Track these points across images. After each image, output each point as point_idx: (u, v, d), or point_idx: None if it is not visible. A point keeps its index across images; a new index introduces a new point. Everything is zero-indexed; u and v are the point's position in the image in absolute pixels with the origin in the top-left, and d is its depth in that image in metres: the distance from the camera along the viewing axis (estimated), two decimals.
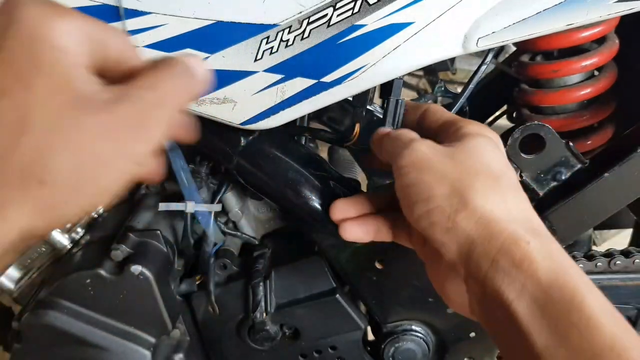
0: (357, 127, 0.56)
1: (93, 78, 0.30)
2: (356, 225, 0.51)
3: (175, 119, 0.33)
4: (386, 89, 0.72)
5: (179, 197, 0.64)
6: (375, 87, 0.56)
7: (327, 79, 0.52)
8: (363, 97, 0.55)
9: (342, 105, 0.56)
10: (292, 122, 0.55)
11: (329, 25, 0.49)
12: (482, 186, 0.42)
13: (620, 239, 1.17)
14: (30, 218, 0.28)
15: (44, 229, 0.29)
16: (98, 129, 0.29)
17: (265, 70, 0.51)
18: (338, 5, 0.49)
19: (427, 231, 0.43)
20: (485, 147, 0.45)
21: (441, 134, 0.48)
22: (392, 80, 0.54)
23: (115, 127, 0.29)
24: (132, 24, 0.49)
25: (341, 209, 0.51)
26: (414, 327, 0.69)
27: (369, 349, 0.73)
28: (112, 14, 0.49)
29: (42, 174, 0.28)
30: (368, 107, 0.59)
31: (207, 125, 0.55)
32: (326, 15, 0.49)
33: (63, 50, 0.28)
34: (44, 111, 0.28)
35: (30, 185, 0.28)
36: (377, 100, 0.63)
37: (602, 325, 0.35)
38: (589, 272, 0.65)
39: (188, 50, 0.50)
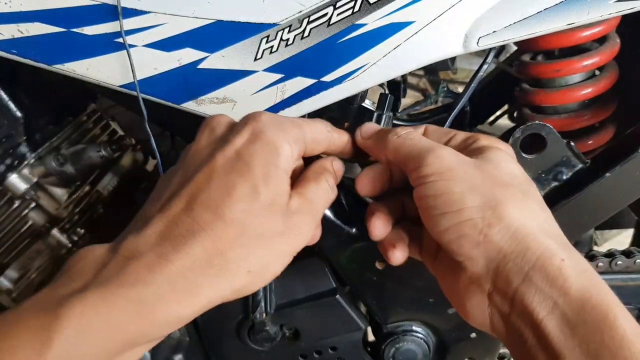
0: (345, 127, 0.55)
1: (288, 188, 0.42)
2: (403, 250, 0.48)
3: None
4: (393, 88, 0.72)
5: None
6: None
7: (327, 78, 0.52)
8: (353, 96, 0.54)
9: (342, 104, 0.55)
10: None
11: (329, 25, 0.49)
12: (514, 199, 0.41)
13: (621, 238, 1.17)
14: (223, 294, 0.39)
15: (223, 301, 0.40)
16: (283, 233, 0.40)
17: (265, 70, 0.51)
18: (338, 4, 0.48)
19: (452, 244, 0.41)
20: (508, 159, 0.44)
21: (456, 150, 0.46)
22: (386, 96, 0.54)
23: (291, 231, 0.41)
24: (132, 23, 0.49)
25: (380, 228, 0.48)
26: (414, 328, 0.69)
27: (369, 349, 0.73)
28: (111, 13, 0.49)
29: (249, 267, 0.39)
30: (367, 106, 0.59)
31: None
32: (326, 14, 0.49)
33: (282, 168, 0.40)
34: (261, 220, 0.39)
35: (240, 273, 0.39)
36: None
37: (634, 345, 0.34)
38: None
39: (188, 49, 0.50)
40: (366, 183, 0.49)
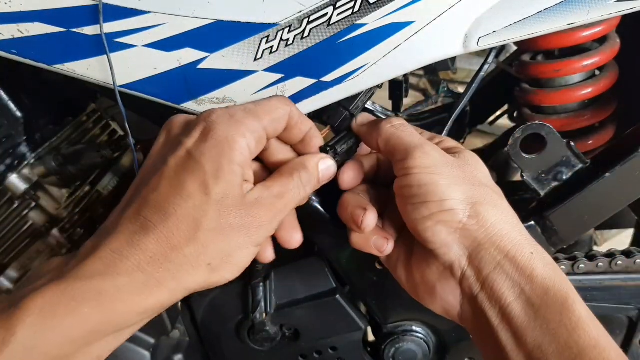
0: (326, 129, 0.55)
1: (242, 181, 0.42)
2: (392, 241, 0.51)
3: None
4: (395, 87, 0.72)
5: None
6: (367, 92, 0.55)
7: (327, 78, 0.52)
8: (350, 101, 0.55)
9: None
10: None
11: (329, 25, 0.49)
12: (491, 199, 0.45)
13: (621, 238, 1.17)
14: (188, 287, 0.40)
15: (190, 293, 0.41)
16: (241, 226, 0.41)
17: (265, 70, 0.51)
18: (338, 4, 0.48)
19: (428, 232, 0.44)
20: (481, 163, 0.49)
21: None
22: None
23: (251, 224, 0.41)
24: (132, 23, 0.49)
25: (373, 221, 0.49)
26: (414, 328, 0.69)
27: (369, 349, 0.73)
28: (111, 14, 0.49)
29: (208, 260, 0.40)
30: (367, 106, 0.59)
31: None
32: (326, 14, 0.49)
33: (237, 162, 0.41)
34: (213, 214, 0.40)
35: (200, 266, 0.40)
36: (378, 100, 0.63)
37: (588, 327, 0.39)
38: (590, 273, 0.65)
39: (188, 49, 0.50)
40: (351, 177, 0.51)
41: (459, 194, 0.44)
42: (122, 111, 0.52)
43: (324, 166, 0.48)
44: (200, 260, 0.40)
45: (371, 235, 0.50)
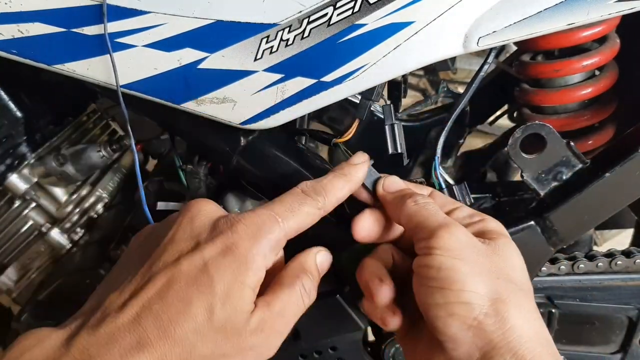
0: (355, 123, 0.55)
1: (250, 307, 0.39)
2: (400, 315, 0.46)
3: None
4: (393, 88, 0.72)
5: (178, 197, 0.64)
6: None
7: (327, 78, 0.52)
8: (370, 92, 0.55)
9: (342, 104, 0.55)
10: (292, 122, 0.55)
11: (329, 25, 0.49)
12: (515, 297, 0.41)
13: (621, 238, 1.17)
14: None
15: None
16: (236, 354, 0.39)
17: (265, 70, 0.51)
18: (338, 4, 0.48)
19: (438, 321, 0.40)
20: (515, 252, 0.44)
21: (459, 222, 0.46)
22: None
23: (243, 354, 0.39)
24: (132, 23, 0.49)
25: (388, 295, 0.46)
26: None
27: (369, 349, 0.73)
28: (111, 14, 0.49)
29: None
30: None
31: (207, 125, 0.55)
32: (326, 14, 0.49)
33: (249, 284, 0.39)
34: (210, 342, 0.38)
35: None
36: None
37: None
38: (589, 272, 0.65)
39: (188, 50, 0.50)
40: (365, 227, 0.49)
41: (480, 286, 0.40)
42: (124, 111, 0.52)
43: (322, 259, 0.46)
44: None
45: (381, 306, 0.46)
